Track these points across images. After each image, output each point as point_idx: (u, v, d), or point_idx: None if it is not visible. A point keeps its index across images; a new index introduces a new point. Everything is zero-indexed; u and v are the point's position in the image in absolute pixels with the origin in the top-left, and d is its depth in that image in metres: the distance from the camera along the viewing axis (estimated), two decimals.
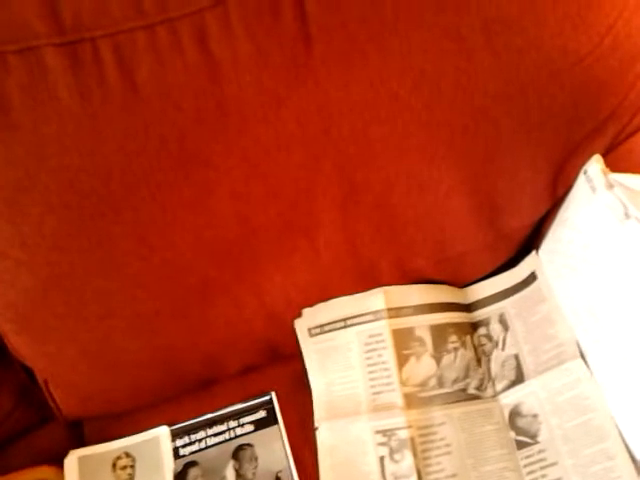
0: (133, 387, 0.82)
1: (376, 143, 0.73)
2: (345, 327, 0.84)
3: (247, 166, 0.70)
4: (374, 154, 0.74)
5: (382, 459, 0.77)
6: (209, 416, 0.82)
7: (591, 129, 0.79)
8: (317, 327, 0.85)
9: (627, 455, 0.69)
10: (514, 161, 0.78)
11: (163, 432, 0.81)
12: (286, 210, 0.74)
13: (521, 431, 0.77)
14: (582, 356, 0.75)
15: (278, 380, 0.84)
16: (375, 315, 0.84)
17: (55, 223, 0.67)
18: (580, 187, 0.75)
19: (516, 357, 0.81)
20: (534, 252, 0.85)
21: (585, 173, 0.75)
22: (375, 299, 0.84)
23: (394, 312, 0.84)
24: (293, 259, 0.77)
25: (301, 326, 0.85)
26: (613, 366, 0.70)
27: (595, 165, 0.74)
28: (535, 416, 0.77)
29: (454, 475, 0.76)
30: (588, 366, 0.75)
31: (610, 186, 0.71)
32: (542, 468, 0.74)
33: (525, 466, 0.75)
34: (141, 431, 0.82)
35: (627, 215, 0.68)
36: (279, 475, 0.77)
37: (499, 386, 0.81)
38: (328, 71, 0.67)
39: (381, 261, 0.82)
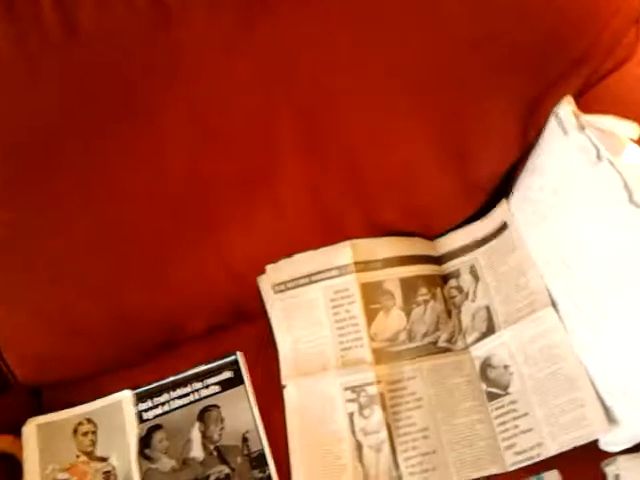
0: (91, 351, 0.79)
1: (338, 90, 0.69)
2: (310, 283, 0.81)
3: (200, 117, 0.66)
4: (336, 102, 0.70)
5: (351, 415, 0.76)
6: (173, 378, 0.79)
7: (562, 71, 0.75)
8: (281, 284, 0.82)
9: (597, 403, 0.69)
10: (483, 107, 0.75)
11: (125, 396, 0.78)
12: (244, 162, 0.70)
13: (492, 383, 0.76)
14: (553, 305, 0.74)
15: (244, 340, 0.82)
16: (342, 270, 0.81)
17: None
18: (551, 130, 0.72)
19: (487, 308, 0.80)
20: (504, 201, 0.82)
21: (556, 115, 0.72)
22: (342, 253, 0.81)
23: (362, 266, 0.81)
24: (254, 214, 0.74)
25: (265, 283, 0.82)
26: (584, 313, 0.68)
27: (566, 107, 0.71)
28: (506, 367, 0.76)
29: (425, 429, 0.74)
30: (559, 315, 0.73)
31: (582, 128, 0.68)
32: (514, 419, 0.73)
33: (496, 417, 0.74)
34: (102, 396, 0.79)
35: (599, 157, 0.65)
36: (246, 435, 0.75)
37: (470, 338, 0.80)
38: (285, 12, 0.63)
39: (347, 213, 0.79)
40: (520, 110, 0.76)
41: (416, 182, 0.79)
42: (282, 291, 0.82)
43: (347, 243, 0.81)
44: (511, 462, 0.71)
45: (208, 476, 0.73)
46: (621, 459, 0.69)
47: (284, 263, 0.81)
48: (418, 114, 0.74)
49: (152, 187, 0.68)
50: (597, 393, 0.69)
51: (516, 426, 0.73)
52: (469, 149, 0.77)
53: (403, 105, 0.73)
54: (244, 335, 0.83)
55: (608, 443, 0.70)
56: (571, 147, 0.68)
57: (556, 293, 0.74)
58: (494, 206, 0.83)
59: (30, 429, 0.76)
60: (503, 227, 0.82)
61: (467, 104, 0.74)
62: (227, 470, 0.73)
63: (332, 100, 0.70)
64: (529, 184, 0.76)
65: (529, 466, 0.71)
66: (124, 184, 0.67)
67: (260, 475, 0.73)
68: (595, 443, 0.70)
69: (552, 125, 0.72)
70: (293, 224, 0.77)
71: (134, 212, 0.69)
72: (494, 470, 0.72)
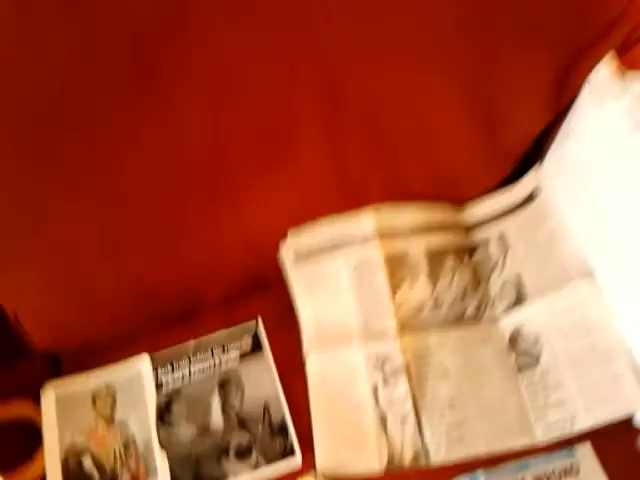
0: (108, 318, 0.77)
1: (360, 48, 0.66)
2: (334, 251, 0.79)
3: (214, 78, 0.63)
4: (358, 62, 0.66)
5: (375, 386, 0.73)
6: (193, 344, 0.78)
7: (598, 31, 0.71)
8: (303, 252, 0.79)
9: (635, 376, 0.65)
10: (514, 66, 0.71)
11: (145, 362, 0.77)
12: (262, 126, 0.67)
13: (522, 354, 0.73)
14: (589, 275, 0.71)
15: (263, 310, 0.80)
16: (365, 237, 0.78)
17: (6, 144, 0.61)
18: (587, 95, 0.69)
19: (517, 278, 0.77)
20: (536, 167, 0.79)
21: (592, 80, 0.68)
22: (365, 219, 0.78)
23: (386, 233, 0.78)
24: (273, 179, 0.71)
25: (287, 251, 0.79)
26: (625, 282, 0.65)
27: (603, 71, 0.67)
28: (537, 338, 0.73)
29: (451, 400, 0.72)
30: (596, 285, 0.70)
31: (619, 94, 0.64)
32: (545, 391, 0.70)
33: (526, 389, 0.71)
34: (121, 363, 0.78)
35: (638, 126, 0.62)
36: (267, 404, 0.73)
37: (499, 309, 0.77)
38: None
39: (370, 181, 0.76)
40: (554, 71, 0.72)
41: (443, 146, 0.75)
42: (304, 259, 0.79)
43: (371, 209, 0.79)
44: (541, 434, 0.69)
45: (228, 443, 0.71)
46: None
47: (306, 230, 0.78)
48: (445, 73, 0.70)
49: (167, 151, 0.65)
50: (636, 367, 0.66)
51: (547, 397, 0.70)
52: (499, 111, 0.73)
53: (429, 62, 0.69)
54: (263, 304, 0.81)
55: None
56: (607, 114, 0.64)
57: (593, 262, 0.70)
58: (522, 173, 0.80)
59: (49, 394, 0.75)
60: (535, 194, 0.78)
61: (498, 63, 0.70)
62: (248, 438, 0.71)
63: (352, 59, 0.67)
64: (563, 150, 0.73)
65: (562, 440, 0.68)
66: (138, 147, 0.65)
67: (281, 444, 0.71)
68: (630, 419, 0.67)
69: (587, 90, 0.69)
70: (313, 191, 0.75)
71: (149, 178, 0.67)
72: (523, 442, 0.69)
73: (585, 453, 0.67)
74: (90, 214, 0.67)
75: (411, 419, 0.71)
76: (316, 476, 0.68)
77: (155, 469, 0.70)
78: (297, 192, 0.75)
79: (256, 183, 0.72)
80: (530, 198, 0.79)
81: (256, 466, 0.70)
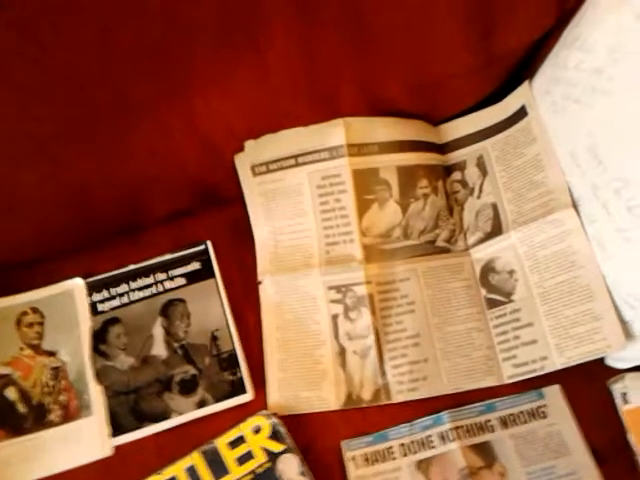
0: (39, 230, 0.67)
1: None
2: (297, 165, 0.70)
3: None
4: None
5: (335, 317, 0.67)
6: (133, 267, 0.69)
7: None
8: (262, 164, 0.70)
9: (615, 316, 0.61)
10: None
11: (78, 285, 0.69)
12: (226, 5, 0.56)
13: (494, 289, 0.68)
14: (574, 206, 0.64)
15: (214, 228, 0.72)
16: (333, 152, 0.70)
17: None
18: None
19: (494, 206, 0.70)
20: (526, 82, 0.70)
21: None
22: (334, 132, 0.69)
23: (355, 149, 0.70)
24: (234, 73, 0.60)
25: (243, 162, 0.70)
26: (614, 217, 0.59)
27: None
28: (511, 272, 0.67)
29: (416, 335, 0.67)
30: (580, 218, 0.64)
31: None
32: (515, 329, 0.66)
33: (496, 327, 0.67)
34: (51, 284, 0.69)
35: None
36: (215, 334, 0.66)
37: (472, 238, 0.71)
38: None
39: (343, 83, 0.66)
40: None
41: (426, 48, 0.66)
42: (263, 173, 0.70)
43: (340, 121, 0.69)
44: (509, 375, 0.65)
45: (172, 376, 0.65)
46: (629, 377, 0.63)
47: (267, 139, 0.69)
48: None
49: (108, 22, 0.54)
50: (615, 306, 0.61)
51: (517, 337, 0.65)
52: (498, 10, 0.63)
53: None
54: (215, 222, 0.72)
55: (616, 359, 0.64)
56: (628, 17, 0.55)
57: (579, 193, 0.64)
58: (509, 90, 0.72)
59: None
60: (521, 113, 0.70)
61: None
62: (193, 371, 0.65)
63: None
64: (563, 61, 0.64)
65: (528, 380, 0.64)
66: (70, 16, 0.52)
67: (230, 377, 0.65)
68: (600, 359, 0.63)
69: None
70: (279, 91, 0.64)
71: (84, 55, 0.55)
72: (490, 382, 0.65)
73: (554, 395, 0.64)
74: (11, 102, 0.56)
75: (372, 354, 0.66)
76: (268, 415, 0.62)
77: (89, 403, 0.63)
78: (259, 89, 0.64)
79: (215, 74, 0.61)
80: (516, 117, 0.71)
81: (202, 403, 0.64)
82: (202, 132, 0.65)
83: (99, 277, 0.69)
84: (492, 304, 0.68)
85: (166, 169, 0.67)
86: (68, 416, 0.63)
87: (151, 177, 0.67)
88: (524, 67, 0.72)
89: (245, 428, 0.62)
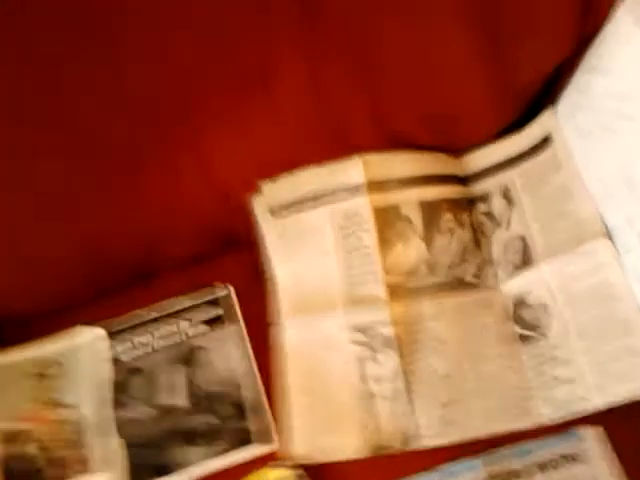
0: (57, 283, 0.68)
1: None
2: (316, 206, 0.69)
3: None
4: None
5: (361, 360, 0.65)
6: (154, 315, 0.68)
7: None
8: (281, 206, 0.69)
9: None
10: None
11: (98, 334, 0.67)
12: (235, 52, 0.56)
13: (527, 325, 0.65)
14: (608, 236, 0.62)
15: (232, 272, 0.70)
16: (352, 190, 0.68)
17: None
18: (621, 19, 0.57)
19: (522, 238, 0.67)
20: (549, 109, 0.68)
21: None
22: (352, 170, 0.68)
23: (375, 186, 0.68)
24: (247, 116, 0.60)
25: (260, 205, 0.69)
26: None
27: None
28: (544, 307, 0.64)
29: (447, 376, 0.64)
30: (615, 248, 0.61)
31: None
32: (552, 368, 0.62)
33: (530, 364, 0.63)
34: (71, 334, 0.68)
35: None
36: (238, 383, 0.64)
37: (501, 273, 0.68)
38: None
39: (355, 117, 0.65)
40: None
41: (440, 79, 0.64)
42: (282, 215, 0.69)
43: (358, 159, 0.68)
44: (546, 416, 0.61)
45: (193, 426, 0.63)
46: None
47: (284, 181, 0.68)
48: None
49: (118, 74, 0.54)
50: None
51: (554, 375, 0.62)
52: (511, 37, 0.62)
53: None
54: (232, 266, 0.71)
55: None
56: None
57: (613, 222, 0.61)
58: (531, 117, 0.70)
59: None
60: (546, 141, 0.68)
61: None
62: (215, 420, 0.63)
63: None
64: (585, 86, 0.62)
65: (566, 422, 0.60)
66: (81, 66, 0.53)
67: (253, 427, 0.62)
68: None
69: (622, 13, 0.57)
70: (291, 130, 0.64)
71: (101, 107, 0.55)
72: (526, 424, 0.61)
73: (595, 437, 0.60)
74: (26, 159, 0.56)
75: (401, 397, 0.63)
76: (292, 464, 0.60)
77: (109, 457, 0.62)
78: (273, 131, 0.64)
79: (228, 118, 0.61)
80: (540, 146, 0.69)
81: (224, 452, 0.61)
82: (214, 176, 0.65)
83: (120, 327, 0.68)
84: (526, 341, 0.65)
85: (179, 215, 0.67)
86: (87, 470, 0.61)
87: (164, 223, 0.67)
88: (546, 93, 0.70)
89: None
